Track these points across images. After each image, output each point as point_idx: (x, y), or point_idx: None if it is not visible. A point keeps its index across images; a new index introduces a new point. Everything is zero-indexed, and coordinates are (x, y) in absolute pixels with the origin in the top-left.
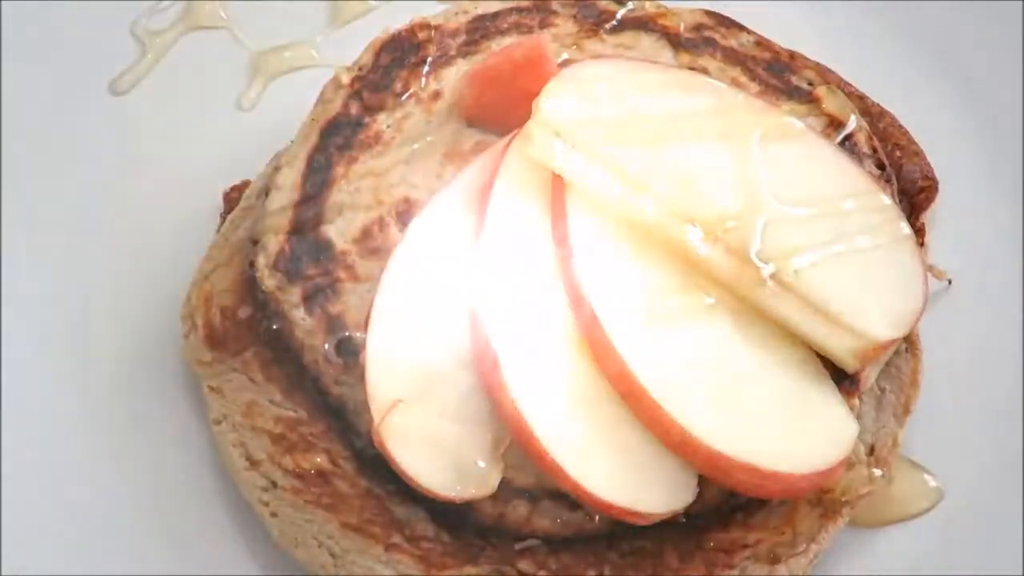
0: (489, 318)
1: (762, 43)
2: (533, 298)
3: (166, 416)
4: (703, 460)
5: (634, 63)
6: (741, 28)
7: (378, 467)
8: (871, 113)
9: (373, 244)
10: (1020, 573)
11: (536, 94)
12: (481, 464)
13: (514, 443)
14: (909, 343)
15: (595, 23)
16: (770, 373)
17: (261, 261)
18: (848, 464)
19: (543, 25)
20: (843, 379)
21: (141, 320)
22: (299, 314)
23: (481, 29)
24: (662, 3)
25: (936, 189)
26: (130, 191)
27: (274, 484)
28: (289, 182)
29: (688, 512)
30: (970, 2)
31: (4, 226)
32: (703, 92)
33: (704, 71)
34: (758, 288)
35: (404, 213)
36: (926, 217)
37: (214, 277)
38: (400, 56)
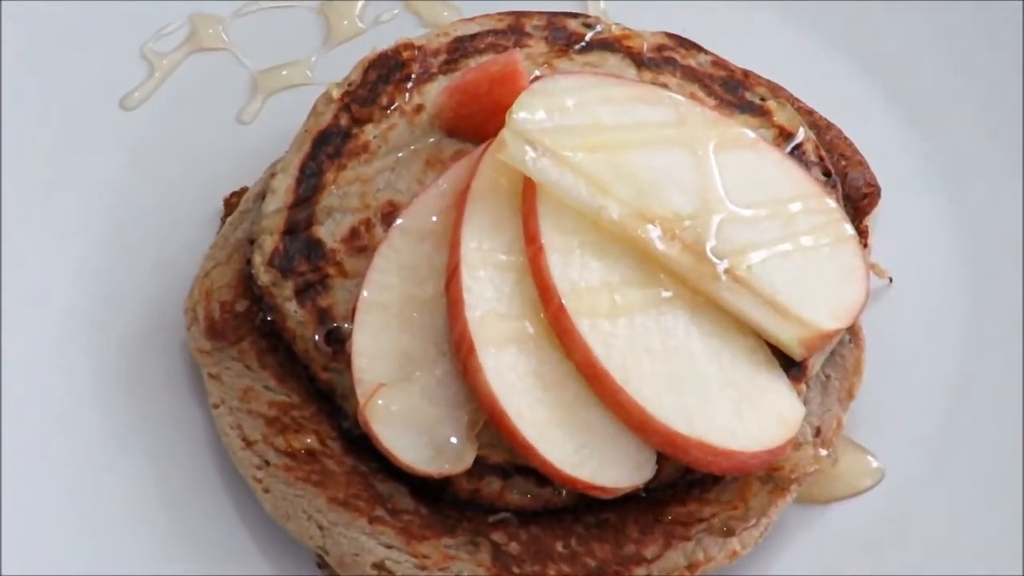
0: (466, 308)
1: (718, 62)
2: (506, 290)
3: (169, 401)
4: (661, 438)
5: (599, 77)
6: (699, 49)
7: (363, 446)
8: (819, 126)
9: (360, 243)
10: (952, 547)
11: (510, 106)
12: (457, 442)
13: (488, 423)
14: (852, 334)
15: (565, 44)
16: (723, 359)
17: (257, 259)
18: (796, 444)
19: (517, 46)
20: (791, 366)
21: (148, 314)
22: (291, 307)
23: (460, 49)
24: (627, 26)
25: (878, 195)
26: (139, 197)
27: (267, 462)
28: (283, 187)
29: (648, 487)
30: (912, 27)
31: (22, 229)
32: (663, 104)
33: (665, 87)
34: (713, 282)
35: (389, 215)
36: (869, 220)
37: (214, 274)
38: (386, 73)
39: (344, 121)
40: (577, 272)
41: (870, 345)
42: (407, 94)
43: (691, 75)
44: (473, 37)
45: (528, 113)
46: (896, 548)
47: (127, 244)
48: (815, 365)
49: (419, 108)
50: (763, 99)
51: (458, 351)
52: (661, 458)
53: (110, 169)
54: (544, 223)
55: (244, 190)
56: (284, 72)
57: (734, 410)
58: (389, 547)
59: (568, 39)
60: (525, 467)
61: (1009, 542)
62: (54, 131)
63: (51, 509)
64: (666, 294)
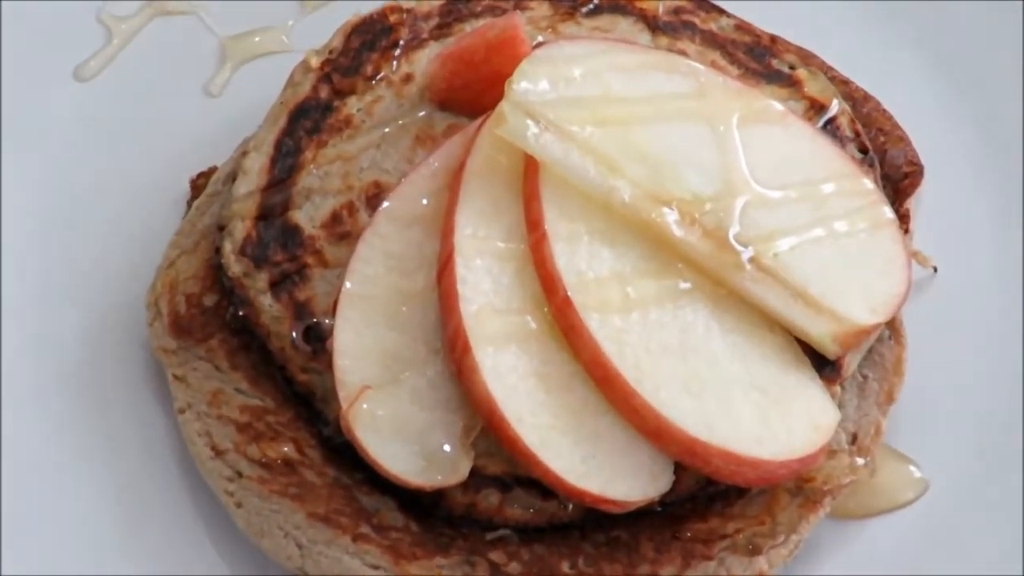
0: (460, 302)
1: (742, 27)
2: (505, 281)
3: (130, 405)
4: (679, 446)
5: (610, 43)
6: (721, 11)
7: (346, 456)
8: (854, 98)
9: (342, 229)
10: (1006, 567)
11: (509, 76)
12: (450, 451)
13: (485, 430)
14: (892, 330)
15: (571, 6)
16: (748, 358)
17: (227, 247)
18: (829, 452)
19: (518, 9)
20: (824, 366)
21: (105, 308)
22: (266, 300)
23: (454, 12)
24: None
25: (921, 175)
26: (94, 179)
27: (240, 474)
28: (256, 167)
29: (664, 501)
30: None
31: None
32: (680, 73)
33: (683, 54)
34: (736, 272)
35: (374, 197)
36: (911, 203)
37: (179, 264)
38: (371, 39)
39: (324, 93)
40: (585, 262)
41: (912, 342)
42: (394, 63)
43: (712, 41)
44: None
45: (530, 83)
46: (941, 568)
47: (81, 231)
48: (851, 364)
49: (408, 78)
50: (792, 68)
51: (452, 350)
52: (679, 468)
53: (62, 147)
54: (548, 207)
55: (213, 170)
56: (257, 38)
57: (760, 415)
58: (376, 567)
59: (574, 1)
60: (527, 478)
61: None
62: None
63: None
64: (684, 286)
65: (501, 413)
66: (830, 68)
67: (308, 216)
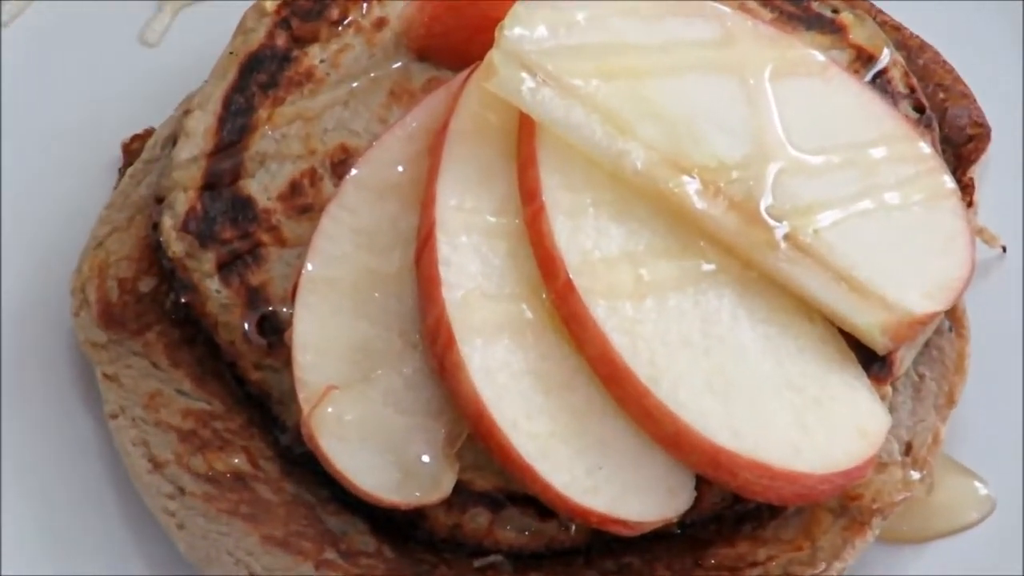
0: (443, 286)
1: None
2: (496, 262)
3: (53, 410)
4: (701, 456)
5: None
6: None
7: (308, 468)
8: (909, 47)
9: (303, 201)
10: None
11: (500, 20)
12: (431, 462)
13: (472, 437)
14: (953, 320)
15: None
16: (782, 353)
17: (167, 222)
18: (879, 464)
19: None
20: (873, 362)
21: (23, 296)
22: (213, 285)
23: None
24: None
25: (988, 138)
26: (11, 142)
27: (182, 490)
28: (202, 128)
29: (684, 521)
30: None
31: None
32: (703, 17)
33: None
34: (769, 251)
35: (340, 164)
36: (975, 171)
37: (110, 243)
38: None
39: (281, 41)
40: (590, 239)
41: (976, 335)
42: (365, 5)
43: None
44: None
45: (525, 29)
46: None
47: None
48: (904, 361)
49: (381, 23)
50: (836, 11)
51: (433, 343)
52: (701, 483)
53: None
54: (546, 174)
55: (150, 132)
56: None
57: (797, 419)
58: None
59: None
60: (522, 495)
61: None
62: None
63: None
64: (707, 268)
65: (491, 417)
66: (880, 11)
67: (262, 186)
